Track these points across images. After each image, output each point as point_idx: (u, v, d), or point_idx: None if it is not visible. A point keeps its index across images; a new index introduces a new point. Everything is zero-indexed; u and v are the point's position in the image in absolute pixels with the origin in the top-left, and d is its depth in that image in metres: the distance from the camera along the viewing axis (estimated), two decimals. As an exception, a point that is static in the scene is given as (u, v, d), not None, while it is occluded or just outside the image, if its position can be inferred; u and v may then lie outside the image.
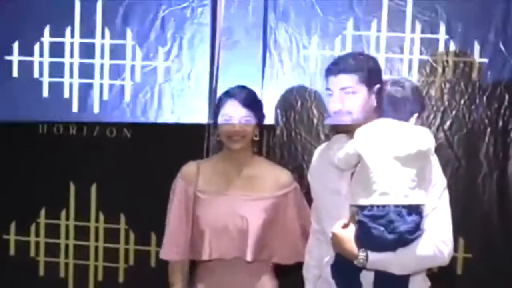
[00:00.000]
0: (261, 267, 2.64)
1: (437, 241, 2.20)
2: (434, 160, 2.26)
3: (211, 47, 3.13)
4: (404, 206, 2.10)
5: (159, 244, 2.88)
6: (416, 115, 2.27)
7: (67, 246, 3.43)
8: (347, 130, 2.28)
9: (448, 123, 3.19)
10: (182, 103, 3.16)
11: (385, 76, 2.47)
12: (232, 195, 2.58)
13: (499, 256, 3.15)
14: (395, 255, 2.14)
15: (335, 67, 2.28)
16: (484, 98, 3.15)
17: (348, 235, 2.18)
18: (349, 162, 2.23)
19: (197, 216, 2.59)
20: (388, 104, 2.25)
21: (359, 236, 2.18)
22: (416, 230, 2.13)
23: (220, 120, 2.58)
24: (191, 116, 3.15)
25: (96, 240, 3.42)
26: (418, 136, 2.18)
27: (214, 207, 2.58)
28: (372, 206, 2.11)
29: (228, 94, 2.62)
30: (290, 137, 3.23)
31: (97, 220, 3.41)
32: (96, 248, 3.41)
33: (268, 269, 2.70)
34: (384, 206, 2.09)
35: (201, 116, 3.13)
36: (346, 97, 2.25)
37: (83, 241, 3.43)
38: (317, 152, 2.54)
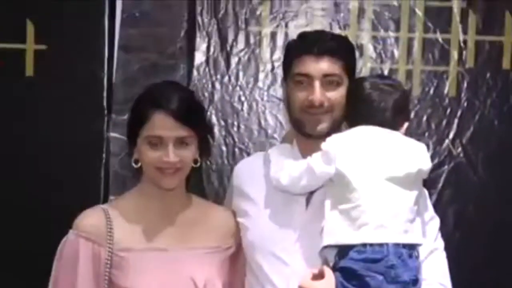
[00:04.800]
0: None
1: None
2: None
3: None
4: (404, 246, 2.01)
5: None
6: (406, 124, 2.16)
7: None
8: (319, 137, 2.13)
9: (468, 134, 2.87)
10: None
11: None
12: (173, 250, 2.25)
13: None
14: None
15: (316, 46, 2.13)
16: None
17: None
18: (309, 184, 2.12)
19: None
20: (372, 106, 2.12)
21: None
22: (417, 280, 2.04)
23: (142, 142, 2.16)
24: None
25: None
26: (417, 152, 2.10)
27: (151, 271, 2.22)
28: (364, 245, 1.99)
29: (156, 102, 2.19)
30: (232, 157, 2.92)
31: None
32: None
33: None
34: (381, 245, 1.98)
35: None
36: (328, 89, 2.13)
37: None
38: (240, 172, 2.38)
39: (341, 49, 2.17)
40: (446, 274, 2.20)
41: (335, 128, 2.14)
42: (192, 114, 2.24)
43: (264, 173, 2.27)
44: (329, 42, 2.16)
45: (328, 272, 2.04)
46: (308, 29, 2.69)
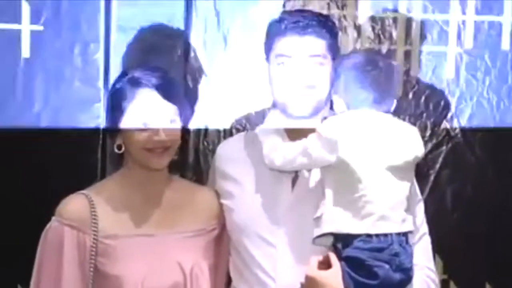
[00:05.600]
0: None
1: (429, 272, 2.18)
2: None
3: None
4: (404, 234, 2.06)
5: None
6: (395, 103, 2.18)
7: None
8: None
9: (466, 115, 2.86)
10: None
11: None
12: (159, 235, 2.25)
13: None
14: None
15: (299, 25, 2.12)
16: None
17: (333, 278, 2.01)
18: (303, 167, 2.14)
19: (113, 276, 2.19)
20: (365, 86, 2.10)
21: (353, 279, 2.01)
22: (413, 266, 2.09)
23: (127, 123, 2.18)
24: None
25: None
26: (412, 138, 2.12)
27: (137, 257, 2.21)
28: (369, 235, 2.01)
29: (137, 81, 2.19)
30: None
31: None
32: None
33: None
34: (386, 235, 2.02)
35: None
36: (313, 69, 2.11)
37: None
38: (223, 154, 2.37)
39: (324, 28, 2.15)
40: (431, 258, 2.22)
41: (319, 109, 2.14)
42: (174, 90, 2.24)
43: (248, 153, 2.27)
44: (311, 22, 2.14)
45: (335, 261, 2.04)
46: (306, 8, 2.65)
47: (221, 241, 2.35)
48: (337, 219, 2.05)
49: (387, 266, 2.02)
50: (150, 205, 2.28)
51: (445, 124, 2.85)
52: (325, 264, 2.04)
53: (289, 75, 2.11)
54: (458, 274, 2.84)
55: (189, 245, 2.27)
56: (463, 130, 2.84)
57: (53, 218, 2.22)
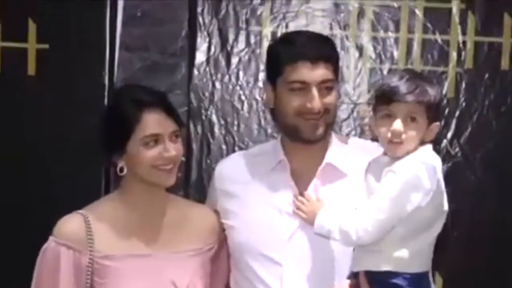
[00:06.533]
0: None
1: None
2: None
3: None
4: None
5: None
6: None
7: None
8: (314, 142, 2.15)
9: (466, 133, 2.86)
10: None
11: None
12: (156, 256, 2.21)
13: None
14: None
15: (311, 51, 2.10)
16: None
17: None
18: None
19: None
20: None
21: None
22: None
23: (136, 145, 2.14)
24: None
25: None
26: None
27: (133, 278, 2.18)
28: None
29: (144, 100, 2.17)
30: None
31: None
32: None
33: None
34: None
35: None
36: (324, 94, 2.11)
37: None
38: (223, 173, 2.35)
39: (332, 53, 2.16)
40: None
41: (328, 131, 2.15)
42: (174, 108, 2.22)
43: (249, 171, 2.26)
44: (322, 48, 2.15)
45: (364, 284, 1.99)
46: (309, 29, 2.66)
47: (219, 259, 2.33)
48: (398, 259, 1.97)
49: None
50: (148, 225, 2.26)
51: (445, 143, 2.83)
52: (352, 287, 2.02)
53: (303, 101, 2.11)
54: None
55: (185, 264, 2.26)
56: (463, 149, 2.83)
57: (50, 238, 2.20)
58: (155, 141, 2.14)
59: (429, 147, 1.95)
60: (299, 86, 2.09)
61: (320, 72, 2.10)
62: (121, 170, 2.19)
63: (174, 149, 2.15)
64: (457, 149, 2.83)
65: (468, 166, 2.81)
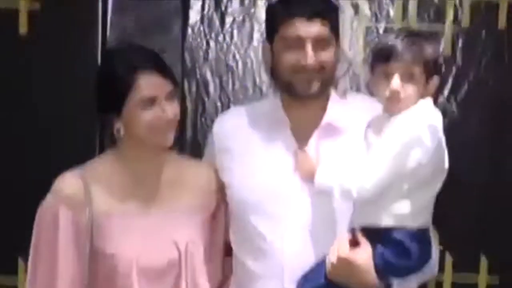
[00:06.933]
0: None
1: None
2: None
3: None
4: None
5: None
6: None
7: None
8: (309, 98, 2.16)
9: (462, 92, 2.87)
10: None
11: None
12: (154, 214, 2.21)
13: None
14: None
15: (304, 7, 2.09)
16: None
17: (365, 258, 1.98)
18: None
19: (108, 255, 2.13)
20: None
21: (385, 260, 1.97)
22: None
23: (133, 108, 2.13)
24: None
25: None
26: None
27: (133, 236, 2.18)
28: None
29: (138, 62, 2.14)
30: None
31: None
32: None
33: None
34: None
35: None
36: (319, 50, 2.10)
37: None
38: (221, 129, 2.35)
39: (330, 10, 2.16)
40: None
41: (325, 88, 2.15)
42: (169, 68, 2.22)
43: (247, 127, 2.26)
44: (319, 5, 2.14)
45: (364, 240, 2.02)
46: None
47: (218, 216, 2.33)
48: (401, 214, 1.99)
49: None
50: (145, 184, 2.25)
51: (442, 100, 2.84)
52: (351, 243, 2.03)
53: (297, 57, 2.12)
54: (454, 245, 2.83)
55: (184, 222, 2.25)
56: (459, 107, 2.86)
57: (48, 195, 2.21)
58: (152, 103, 2.12)
59: (429, 100, 1.95)
60: (294, 42, 2.09)
61: (315, 28, 2.09)
62: (118, 131, 2.18)
63: (171, 110, 2.15)
64: (453, 107, 2.86)
65: (463, 125, 2.82)
